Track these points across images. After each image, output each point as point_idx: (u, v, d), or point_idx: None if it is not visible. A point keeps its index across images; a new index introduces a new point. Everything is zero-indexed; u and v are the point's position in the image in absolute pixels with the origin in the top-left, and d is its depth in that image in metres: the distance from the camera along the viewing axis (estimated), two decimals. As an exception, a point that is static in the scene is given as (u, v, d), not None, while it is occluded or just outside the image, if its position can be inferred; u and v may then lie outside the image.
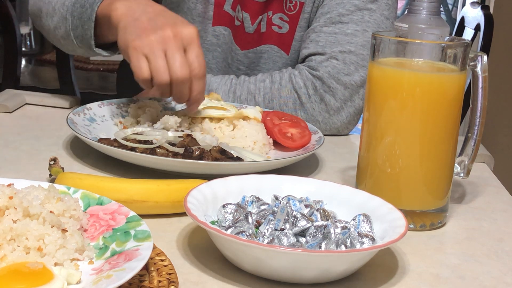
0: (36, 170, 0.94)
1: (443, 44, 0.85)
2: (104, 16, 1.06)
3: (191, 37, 0.99)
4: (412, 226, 0.85)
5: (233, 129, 1.06)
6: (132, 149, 0.94)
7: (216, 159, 0.94)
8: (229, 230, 0.71)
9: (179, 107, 1.17)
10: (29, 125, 1.15)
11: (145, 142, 0.97)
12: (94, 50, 1.11)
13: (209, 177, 0.83)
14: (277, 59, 1.32)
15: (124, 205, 0.74)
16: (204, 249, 0.75)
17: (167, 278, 0.66)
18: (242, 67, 1.34)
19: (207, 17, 1.31)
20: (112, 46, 1.14)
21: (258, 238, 0.71)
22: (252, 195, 0.79)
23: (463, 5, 3.39)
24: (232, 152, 0.97)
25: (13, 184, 0.72)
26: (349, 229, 0.73)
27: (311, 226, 0.73)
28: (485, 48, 1.86)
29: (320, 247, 0.70)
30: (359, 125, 1.00)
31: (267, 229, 0.72)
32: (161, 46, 0.97)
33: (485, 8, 1.93)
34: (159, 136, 0.98)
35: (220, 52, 1.33)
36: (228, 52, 1.33)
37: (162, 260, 0.69)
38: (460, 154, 0.90)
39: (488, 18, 1.89)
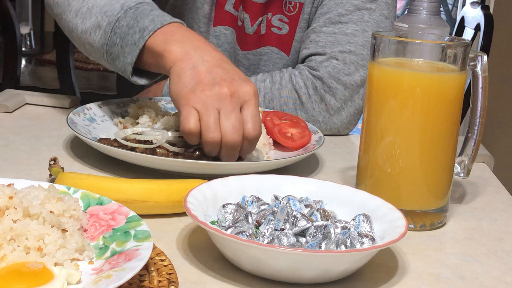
0: (36, 170, 0.94)
1: (443, 44, 0.85)
2: (154, 51, 0.99)
3: (248, 96, 0.92)
4: (412, 226, 0.85)
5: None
6: (132, 149, 0.94)
7: (216, 159, 0.94)
8: (229, 230, 0.71)
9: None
10: (29, 125, 1.15)
11: (145, 142, 0.97)
12: (129, 77, 1.04)
13: (209, 177, 0.83)
14: (277, 60, 1.32)
15: (124, 205, 0.74)
16: (204, 249, 0.75)
17: (167, 278, 0.67)
18: (242, 68, 1.34)
19: (210, 18, 1.31)
20: (146, 74, 1.07)
21: (258, 238, 0.71)
22: (252, 195, 0.79)
23: (463, 5, 3.39)
24: None
25: (13, 184, 0.72)
26: (349, 229, 0.73)
27: (311, 226, 0.73)
28: (485, 48, 1.87)
29: (320, 247, 0.70)
30: (359, 125, 1.00)
31: (267, 229, 0.72)
32: (216, 104, 0.90)
33: (485, 8, 1.93)
34: (159, 136, 0.97)
35: (221, 51, 1.33)
36: (231, 52, 1.33)
37: (162, 260, 0.69)
38: (460, 154, 0.90)
39: (488, 18, 1.89)
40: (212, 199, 0.78)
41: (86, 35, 1.08)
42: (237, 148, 0.92)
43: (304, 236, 0.73)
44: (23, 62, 2.96)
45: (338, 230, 0.73)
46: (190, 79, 0.93)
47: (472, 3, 2.05)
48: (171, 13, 1.35)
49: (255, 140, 0.93)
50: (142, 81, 1.06)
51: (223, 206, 0.76)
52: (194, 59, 0.94)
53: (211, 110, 0.90)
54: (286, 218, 0.73)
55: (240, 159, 0.97)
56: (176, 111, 1.12)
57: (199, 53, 0.95)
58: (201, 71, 0.93)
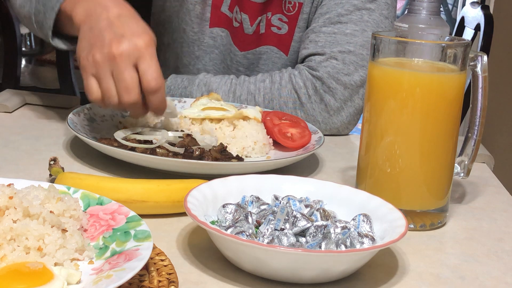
0: (36, 170, 0.94)
1: (443, 44, 0.85)
2: (66, 14, 1.03)
3: (139, 51, 0.93)
4: (412, 226, 0.85)
5: (233, 129, 1.07)
6: (132, 149, 0.94)
7: (216, 159, 0.94)
8: (229, 230, 0.71)
9: (179, 108, 1.17)
10: (29, 125, 1.15)
11: (145, 142, 0.97)
12: (50, 41, 1.08)
13: (209, 177, 0.83)
14: (276, 60, 1.32)
15: (124, 205, 0.74)
16: (204, 249, 0.75)
17: (167, 278, 0.67)
18: (242, 68, 1.34)
19: (204, 19, 1.31)
20: (73, 39, 1.09)
21: (258, 238, 0.71)
22: (252, 195, 0.79)
23: (463, 5, 3.39)
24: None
25: (13, 184, 0.72)
26: (349, 229, 0.73)
27: (311, 226, 0.73)
28: (485, 48, 1.87)
29: (320, 247, 0.70)
30: (359, 125, 1.00)
31: (267, 229, 0.72)
32: (107, 66, 0.93)
33: (485, 8, 1.93)
34: (159, 136, 0.98)
35: (217, 53, 1.33)
36: (227, 53, 1.33)
37: (162, 260, 0.69)
38: (460, 154, 0.90)
39: (488, 18, 1.89)
40: (212, 199, 0.78)
41: (22, 9, 1.14)
42: (137, 104, 0.94)
43: (304, 236, 0.73)
44: (23, 62, 2.96)
45: (338, 230, 0.73)
46: (86, 43, 0.97)
47: (472, 3, 2.05)
48: (159, 15, 1.36)
49: (157, 90, 0.94)
50: (63, 45, 1.09)
51: (223, 206, 0.76)
52: (92, 19, 0.98)
53: (105, 74, 0.94)
54: (286, 218, 0.73)
55: (240, 159, 0.97)
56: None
57: (99, 11, 0.98)
58: (95, 33, 0.96)
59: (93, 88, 0.95)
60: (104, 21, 0.96)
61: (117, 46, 0.93)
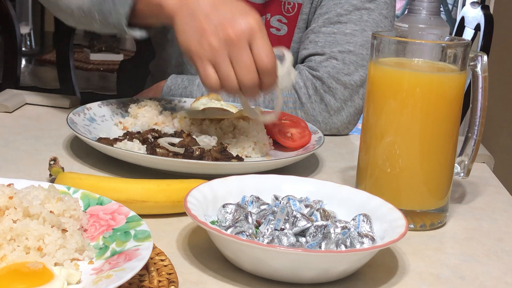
0: (36, 170, 0.94)
1: (443, 44, 0.85)
2: (150, 2, 0.99)
3: (251, 30, 0.92)
4: (412, 226, 0.85)
5: (233, 130, 1.07)
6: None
7: (216, 159, 0.94)
8: (229, 230, 0.71)
9: (179, 108, 1.17)
10: (29, 125, 1.15)
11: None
12: (125, 29, 1.03)
13: (209, 177, 0.83)
14: (276, 61, 1.32)
15: (124, 205, 0.74)
16: (204, 249, 0.75)
17: (167, 278, 0.67)
18: None
19: None
20: (143, 27, 1.05)
21: (258, 238, 0.71)
22: (252, 195, 0.79)
23: (463, 5, 3.39)
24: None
25: (13, 184, 0.72)
26: (349, 229, 0.73)
27: (311, 226, 0.73)
28: (485, 48, 1.86)
29: (320, 247, 0.70)
30: (359, 125, 1.00)
31: (267, 229, 0.72)
32: (225, 51, 0.92)
33: (485, 8, 1.93)
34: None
35: None
36: None
37: (162, 260, 0.69)
38: (460, 154, 0.90)
39: (488, 18, 1.89)
40: (212, 199, 0.78)
41: (71, 0, 1.08)
42: (256, 85, 0.94)
43: (304, 236, 0.73)
44: (23, 62, 2.96)
45: (338, 230, 0.73)
46: (194, 32, 0.93)
47: (472, 3, 2.05)
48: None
49: (272, 70, 0.94)
50: (138, 33, 1.05)
51: (223, 206, 0.76)
52: (191, 5, 0.95)
53: (222, 58, 0.92)
54: (286, 218, 0.73)
55: (240, 159, 0.97)
56: (176, 112, 1.13)
57: None
58: (201, 19, 0.93)
59: (212, 76, 0.93)
60: (205, 5, 0.94)
61: (232, 28, 0.91)
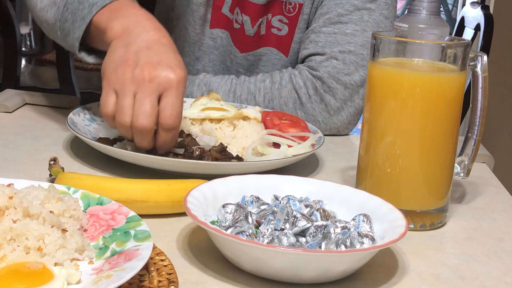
0: (36, 170, 0.94)
1: (443, 44, 0.85)
2: (99, 27, 1.00)
3: (169, 84, 0.90)
4: (412, 226, 0.85)
5: (233, 130, 1.07)
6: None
7: (216, 159, 0.94)
8: (229, 230, 0.71)
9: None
10: (29, 125, 1.15)
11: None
12: (76, 53, 1.05)
13: (209, 177, 0.83)
14: (276, 61, 1.32)
15: (124, 205, 0.74)
16: (204, 249, 0.75)
17: (167, 278, 0.67)
18: (241, 69, 1.34)
19: (206, 20, 1.31)
20: (96, 52, 1.07)
21: (258, 238, 0.71)
22: (252, 195, 0.79)
23: (463, 5, 3.39)
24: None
25: (13, 184, 0.72)
26: (349, 229, 0.73)
27: (311, 226, 0.73)
28: (485, 48, 1.87)
29: (320, 247, 0.70)
30: (359, 125, 1.00)
31: (267, 229, 0.72)
32: (133, 87, 0.91)
33: (485, 8, 1.93)
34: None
35: (216, 55, 1.33)
36: (227, 55, 1.33)
37: (162, 260, 0.69)
38: (460, 154, 0.90)
39: (488, 18, 1.89)
40: (212, 199, 0.78)
41: (43, 13, 1.09)
42: (148, 134, 0.91)
43: (304, 236, 0.73)
44: (23, 62, 2.96)
45: (338, 230, 0.73)
46: (118, 58, 0.93)
47: (472, 3, 2.05)
48: (164, 16, 1.35)
49: (171, 129, 0.91)
50: (90, 59, 1.06)
51: (223, 206, 0.76)
52: (130, 37, 0.95)
53: (127, 92, 0.91)
54: (286, 218, 0.73)
55: (240, 159, 0.97)
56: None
57: (138, 31, 0.95)
58: (130, 51, 0.93)
59: (109, 102, 0.92)
60: (143, 42, 0.94)
61: (150, 71, 0.91)
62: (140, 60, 0.92)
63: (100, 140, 0.98)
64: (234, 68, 1.34)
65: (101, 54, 1.07)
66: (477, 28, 1.95)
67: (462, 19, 2.12)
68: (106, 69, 0.94)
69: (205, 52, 1.33)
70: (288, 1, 1.28)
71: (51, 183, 0.75)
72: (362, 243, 0.72)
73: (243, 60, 1.33)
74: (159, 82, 0.90)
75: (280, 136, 1.05)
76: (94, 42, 1.04)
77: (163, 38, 0.96)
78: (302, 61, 1.25)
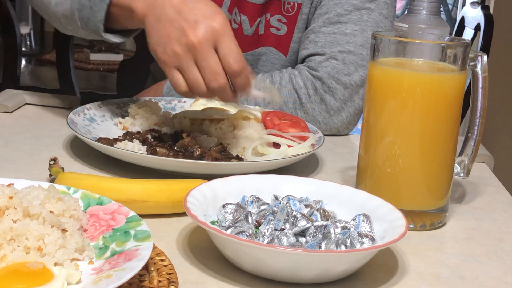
0: (36, 170, 0.94)
1: (443, 44, 0.85)
2: (122, 6, 0.99)
3: (215, 33, 0.91)
4: (412, 226, 0.85)
5: (233, 130, 1.07)
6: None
7: (216, 159, 0.94)
8: (229, 230, 0.71)
9: (179, 108, 1.17)
10: (29, 125, 1.15)
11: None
12: (102, 35, 1.04)
13: (209, 177, 0.83)
14: (275, 61, 1.32)
15: (124, 205, 0.74)
16: (204, 249, 0.75)
17: (167, 278, 0.67)
18: None
19: None
20: (122, 31, 1.07)
21: (258, 238, 0.71)
22: (252, 195, 0.79)
23: (463, 5, 3.39)
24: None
25: (13, 184, 0.72)
26: (349, 229, 0.73)
27: (311, 226, 0.73)
28: (485, 48, 1.86)
29: (320, 247, 0.70)
30: (359, 125, 1.00)
31: (267, 229, 0.72)
32: (189, 56, 0.92)
33: (485, 8, 1.93)
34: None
35: None
36: None
37: (162, 260, 0.69)
38: (460, 154, 0.90)
39: (488, 18, 1.89)
40: (212, 199, 0.78)
41: (59, 7, 1.09)
42: (225, 89, 0.93)
43: (304, 236, 0.73)
44: (23, 62, 2.96)
45: (338, 230, 0.73)
46: (159, 37, 0.94)
47: (472, 3, 2.05)
48: None
49: (241, 72, 0.92)
50: (115, 39, 1.06)
51: (223, 206, 0.76)
52: (157, 10, 0.95)
53: (187, 64, 0.92)
54: (286, 218, 0.73)
55: (240, 159, 0.97)
56: (177, 112, 1.13)
57: (160, 1, 0.95)
58: (165, 24, 0.93)
59: (179, 81, 0.93)
60: (170, 9, 0.93)
61: (194, 33, 0.91)
62: (179, 28, 0.92)
63: (100, 140, 0.98)
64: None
65: (124, 33, 1.07)
66: (477, 28, 1.95)
67: (462, 19, 2.12)
68: (156, 52, 0.95)
69: None
70: (287, 1, 1.28)
71: (51, 183, 0.75)
72: (362, 243, 0.72)
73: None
74: (207, 38, 0.91)
75: (280, 136, 1.05)
76: (118, 23, 1.04)
77: None
78: (302, 61, 1.25)
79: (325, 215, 0.76)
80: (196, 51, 0.91)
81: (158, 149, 0.94)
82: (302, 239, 0.72)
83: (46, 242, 0.65)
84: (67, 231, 0.67)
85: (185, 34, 0.91)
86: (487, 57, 0.87)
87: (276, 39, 1.31)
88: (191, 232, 0.79)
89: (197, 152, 0.94)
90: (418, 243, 0.82)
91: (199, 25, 0.91)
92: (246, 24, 1.29)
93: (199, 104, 1.12)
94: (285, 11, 1.29)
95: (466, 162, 0.90)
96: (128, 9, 0.99)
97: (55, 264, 0.65)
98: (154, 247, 0.71)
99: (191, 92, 0.94)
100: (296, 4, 1.28)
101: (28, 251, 0.64)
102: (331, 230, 0.72)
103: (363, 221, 0.75)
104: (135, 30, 1.08)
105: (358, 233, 0.73)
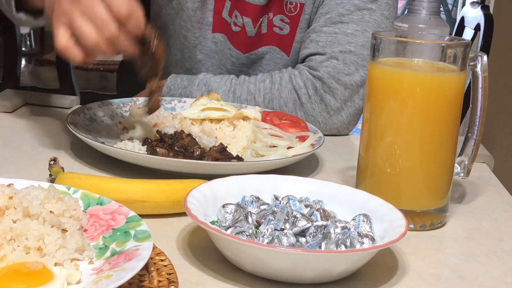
0: (36, 170, 0.94)
1: (443, 44, 0.85)
2: None
3: None
4: (412, 226, 0.85)
5: (233, 130, 1.07)
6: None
7: (216, 159, 0.94)
8: (229, 230, 0.71)
9: (179, 108, 1.17)
10: (29, 125, 1.15)
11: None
12: (14, 14, 1.04)
13: (209, 177, 0.83)
14: (278, 60, 1.32)
15: (124, 205, 0.74)
16: (204, 249, 0.75)
17: (167, 278, 0.67)
18: (244, 68, 1.34)
19: (206, 23, 1.31)
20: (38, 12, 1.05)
21: (258, 238, 0.71)
22: (252, 195, 0.79)
23: (463, 5, 3.39)
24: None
25: (13, 184, 0.72)
26: (349, 229, 0.73)
27: (311, 226, 0.73)
28: (485, 48, 1.86)
29: (320, 247, 0.70)
30: (359, 125, 1.00)
31: (267, 229, 0.72)
32: (76, 10, 0.87)
33: (485, 8, 1.92)
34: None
35: (216, 59, 1.34)
36: (226, 57, 1.33)
37: (162, 260, 0.69)
38: (460, 154, 0.90)
39: (488, 18, 1.89)
40: (212, 199, 0.78)
41: None
42: (118, 36, 0.87)
43: (304, 236, 0.73)
44: (23, 62, 2.96)
45: (338, 230, 0.73)
46: (50, 1, 0.91)
47: (472, 3, 2.05)
48: (155, 21, 1.35)
49: (131, 14, 0.87)
50: (25, 18, 1.06)
51: (223, 206, 0.76)
52: None
53: (74, 16, 0.87)
54: (286, 218, 0.73)
55: (240, 159, 0.97)
56: (176, 112, 1.13)
57: None
58: None
59: (59, 36, 0.88)
60: None
61: None
62: None
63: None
64: (237, 69, 1.34)
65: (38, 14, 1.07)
66: (477, 28, 1.95)
67: (462, 19, 2.12)
68: (47, 12, 0.92)
69: (208, 55, 1.33)
70: (289, 1, 1.28)
71: (51, 183, 0.75)
72: (362, 243, 0.72)
73: (246, 60, 1.33)
74: None
75: (270, 129, 1.05)
76: (32, 2, 1.03)
77: None
78: (303, 61, 1.25)
79: (325, 215, 0.76)
80: (82, 4, 0.87)
81: (158, 149, 0.94)
82: (302, 239, 0.72)
83: (46, 242, 0.65)
84: (67, 231, 0.67)
85: None
86: (487, 57, 0.87)
87: (279, 38, 1.31)
88: (191, 232, 0.79)
89: (197, 152, 0.94)
90: (418, 243, 0.82)
91: None
92: (249, 26, 1.29)
93: (199, 104, 1.12)
94: (288, 11, 1.29)
95: (466, 162, 0.90)
96: None
97: (55, 264, 0.65)
98: (154, 247, 0.71)
99: (76, 50, 0.88)
100: (298, 4, 1.28)
101: (28, 251, 0.64)
102: (331, 230, 0.72)
103: (363, 221, 0.75)
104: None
105: (358, 233, 0.73)
